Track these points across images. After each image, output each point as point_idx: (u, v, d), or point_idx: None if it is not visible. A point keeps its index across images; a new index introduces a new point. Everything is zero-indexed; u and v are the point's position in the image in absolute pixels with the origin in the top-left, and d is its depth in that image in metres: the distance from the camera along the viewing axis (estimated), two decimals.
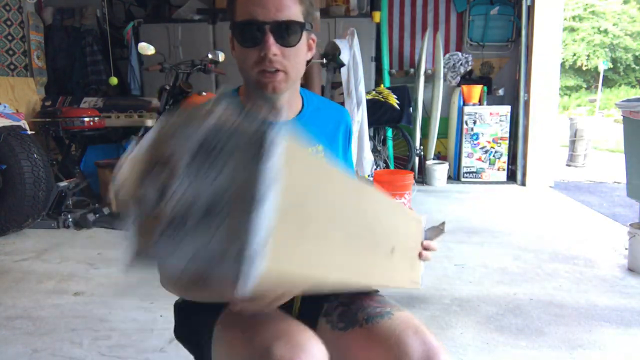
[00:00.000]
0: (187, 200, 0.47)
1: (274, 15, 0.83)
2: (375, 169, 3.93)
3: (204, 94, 3.58)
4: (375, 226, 0.74)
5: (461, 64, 5.08)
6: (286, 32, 0.85)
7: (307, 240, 0.54)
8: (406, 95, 4.56)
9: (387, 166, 4.73)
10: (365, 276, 0.73)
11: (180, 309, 0.99)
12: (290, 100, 0.95)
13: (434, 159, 5.19)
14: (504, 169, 5.10)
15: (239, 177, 0.46)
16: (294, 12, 0.85)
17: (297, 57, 0.88)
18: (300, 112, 0.98)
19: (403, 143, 4.86)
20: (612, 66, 16.76)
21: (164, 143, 0.50)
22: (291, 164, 0.48)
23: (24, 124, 3.49)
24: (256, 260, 0.43)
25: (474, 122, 5.02)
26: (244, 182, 0.45)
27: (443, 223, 1.01)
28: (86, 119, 3.89)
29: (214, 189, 0.46)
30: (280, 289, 0.70)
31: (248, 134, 0.47)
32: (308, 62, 0.98)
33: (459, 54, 5.14)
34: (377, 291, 0.99)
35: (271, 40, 0.84)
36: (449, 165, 5.15)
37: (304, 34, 0.88)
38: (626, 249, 2.64)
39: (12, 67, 4.72)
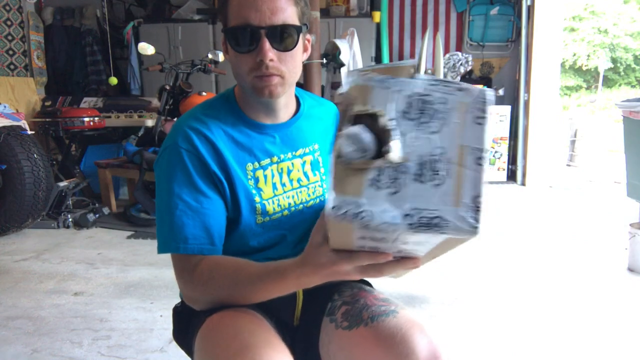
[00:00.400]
0: (405, 151, 0.47)
1: (269, 20, 0.81)
2: None
3: (203, 94, 3.58)
4: None
5: (461, 64, 5.07)
6: (282, 37, 0.82)
7: None
8: None
9: None
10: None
11: (178, 313, 0.99)
12: (286, 103, 0.94)
13: None
14: (504, 169, 5.10)
15: (464, 132, 0.48)
16: (290, 15, 0.83)
17: (294, 60, 0.86)
18: (296, 112, 0.97)
19: None
20: (612, 66, 16.76)
21: (371, 91, 0.49)
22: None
23: (24, 124, 3.50)
24: (478, 214, 0.46)
25: None
26: (471, 137, 0.47)
27: None
28: (86, 119, 3.90)
29: (434, 143, 0.48)
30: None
31: (473, 95, 0.48)
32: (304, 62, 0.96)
33: (459, 54, 5.12)
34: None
35: (267, 45, 0.81)
36: None
37: (300, 35, 0.86)
38: (626, 249, 2.64)
39: (12, 67, 4.72)
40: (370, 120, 0.49)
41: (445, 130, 0.48)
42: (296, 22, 0.84)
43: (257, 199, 0.89)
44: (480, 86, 0.50)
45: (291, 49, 0.84)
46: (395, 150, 0.47)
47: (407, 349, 0.77)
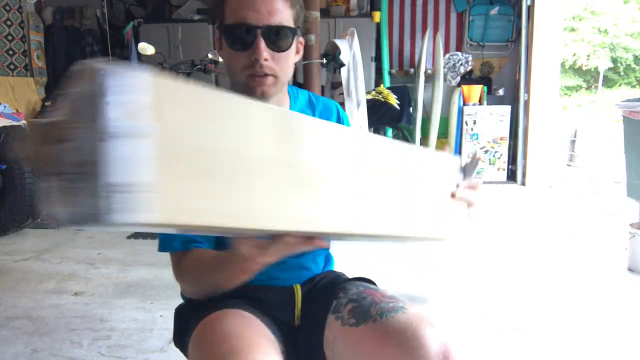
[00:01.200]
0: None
1: (266, 20, 0.83)
2: None
3: None
4: (314, 162, 0.62)
5: (461, 64, 5.08)
6: (278, 37, 0.85)
7: (209, 185, 0.50)
8: (406, 95, 4.56)
9: None
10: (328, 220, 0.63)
11: (179, 315, 0.98)
12: (280, 100, 0.95)
13: None
14: (504, 169, 5.10)
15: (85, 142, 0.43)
16: (286, 17, 0.85)
17: (287, 61, 0.89)
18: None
19: None
20: (612, 66, 16.75)
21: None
22: (162, 102, 0.45)
23: (24, 124, 3.49)
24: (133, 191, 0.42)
25: (474, 122, 5.02)
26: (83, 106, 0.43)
27: (475, 154, 0.91)
28: None
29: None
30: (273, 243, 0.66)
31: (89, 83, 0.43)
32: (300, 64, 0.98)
33: (459, 54, 5.14)
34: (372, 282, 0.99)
35: (262, 44, 0.83)
36: None
37: (295, 38, 0.88)
38: (626, 249, 2.64)
39: (12, 67, 4.72)
40: None
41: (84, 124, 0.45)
42: (291, 25, 0.87)
43: None
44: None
45: (285, 50, 0.87)
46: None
47: (418, 344, 0.76)
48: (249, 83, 0.87)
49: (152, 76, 0.45)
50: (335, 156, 0.64)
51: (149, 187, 0.43)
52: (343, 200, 0.65)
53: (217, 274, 0.83)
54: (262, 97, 0.87)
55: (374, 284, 1.01)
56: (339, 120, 1.06)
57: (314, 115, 1.02)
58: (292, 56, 0.90)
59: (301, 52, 0.95)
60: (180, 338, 0.96)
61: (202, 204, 0.49)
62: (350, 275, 1.04)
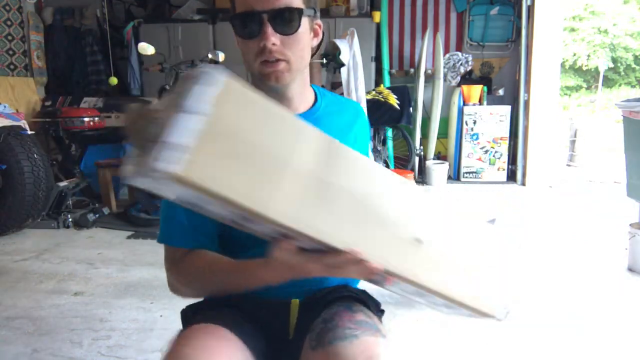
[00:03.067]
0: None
1: (271, 4, 0.81)
2: None
3: None
4: (364, 195, 0.70)
5: (461, 64, 5.08)
6: (284, 20, 0.82)
7: (240, 167, 0.59)
8: (406, 95, 4.56)
9: (387, 166, 4.73)
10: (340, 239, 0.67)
11: (185, 316, 0.97)
12: (301, 92, 0.93)
13: (434, 159, 5.19)
14: (504, 169, 5.10)
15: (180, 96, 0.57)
16: None
17: (299, 44, 0.85)
18: (313, 106, 0.96)
19: (403, 143, 4.85)
20: (612, 66, 16.75)
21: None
22: (224, 95, 0.58)
23: (24, 124, 3.50)
24: (172, 151, 0.53)
25: (474, 122, 5.02)
26: (177, 94, 0.57)
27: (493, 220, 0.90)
28: (86, 119, 3.90)
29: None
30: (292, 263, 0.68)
31: (192, 78, 0.59)
32: (317, 48, 0.95)
33: (459, 54, 5.14)
34: (366, 306, 0.93)
35: (270, 29, 0.82)
36: (449, 165, 5.15)
37: (305, 20, 0.85)
38: (626, 249, 2.64)
39: (12, 67, 4.72)
40: None
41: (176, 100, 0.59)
42: (301, 5, 0.84)
43: None
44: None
45: (294, 32, 0.84)
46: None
47: None
48: (262, 70, 0.85)
49: (227, 77, 0.59)
50: (366, 187, 0.71)
51: (185, 149, 0.54)
52: (367, 227, 0.69)
53: (225, 281, 0.82)
54: (277, 83, 0.86)
55: (365, 301, 0.95)
56: (362, 127, 1.03)
57: (338, 116, 0.98)
58: (304, 40, 0.87)
59: (320, 36, 0.91)
60: None
61: (224, 178, 0.58)
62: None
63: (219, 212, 0.64)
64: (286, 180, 0.62)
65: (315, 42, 0.91)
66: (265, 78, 0.86)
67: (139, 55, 4.90)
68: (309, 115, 0.93)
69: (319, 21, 0.91)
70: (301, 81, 0.92)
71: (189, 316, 0.94)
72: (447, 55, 5.13)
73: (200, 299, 0.96)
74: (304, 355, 0.85)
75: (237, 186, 0.59)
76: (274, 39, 0.82)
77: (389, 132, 4.91)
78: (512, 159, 5.17)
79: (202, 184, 0.56)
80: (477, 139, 5.04)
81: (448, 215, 0.81)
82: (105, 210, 3.71)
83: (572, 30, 16.75)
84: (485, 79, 5.29)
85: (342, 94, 3.54)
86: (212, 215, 0.67)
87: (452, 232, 0.80)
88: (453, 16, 5.37)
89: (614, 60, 16.82)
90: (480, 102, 5.08)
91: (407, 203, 0.76)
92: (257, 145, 0.61)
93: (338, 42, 3.52)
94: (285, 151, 0.63)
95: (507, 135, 5.03)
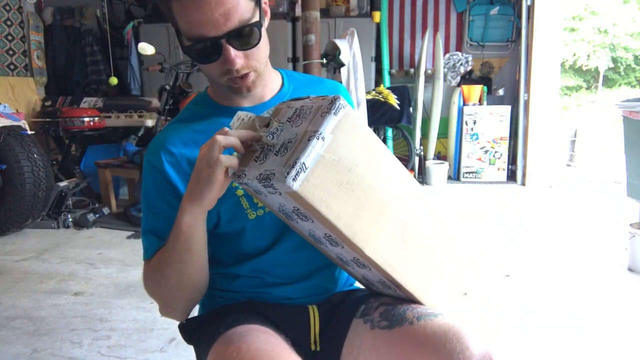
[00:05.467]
0: (277, 138, 0.69)
1: (224, 27, 0.74)
2: None
3: None
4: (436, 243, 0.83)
5: (461, 64, 5.08)
6: (244, 36, 0.77)
7: (344, 193, 0.67)
8: (406, 95, 4.56)
9: None
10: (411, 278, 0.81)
11: (185, 331, 0.96)
12: (266, 83, 0.89)
13: (434, 159, 5.19)
14: (504, 169, 5.10)
15: (312, 123, 0.67)
16: (244, 9, 0.75)
17: (261, 50, 0.82)
18: (280, 91, 0.93)
19: (403, 143, 4.85)
20: (612, 66, 16.75)
21: (281, 110, 0.75)
22: (342, 130, 0.66)
23: (24, 124, 3.50)
24: (299, 173, 0.62)
25: (474, 122, 5.02)
26: (314, 124, 0.66)
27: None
28: (86, 119, 3.90)
29: (294, 131, 0.68)
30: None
31: (327, 100, 0.68)
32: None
33: (459, 54, 5.14)
34: None
35: (231, 51, 0.76)
36: (449, 165, 5.15)
37: (260, 25, 0.79)
38: (626, 249, 2.64)
39: (12, 67, 4.72)
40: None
41: (303, 123, 0.68)
42: (253, 15, 0.77)
43: (240, 191, 0.86)
44: (337, 97, 0.68)
45: (257, 44, 0.79)
46: (268, 138, 0.70)
47: (462, 346, 0.72)
48: (230, 85, 0.83)
49: (346, 108, 0.67)
50: (431, 234, 0.83)
51: (306, 170, 0.63)
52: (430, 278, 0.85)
53: (170, 248, 0.78)
54: (249, 92, 0.84)
55: None
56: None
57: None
58: (264, 41, 0.82)
59: (268, 14, 0.85)
60: (194, 336, 0.93)
61: (334, 204, 0.66)
62: None
63: (309, 228, 0.73)
64: (385, 221, 0.72)
65: (267, 22, 0.84)
66: (235, 91, 0.84)
67: (139, 55, 4.90)
68: (275, 101, 0.89)
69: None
70: (267, 74, 0.88)
71: (207, 326, 0.90)
72: (447, 55, 5.13)
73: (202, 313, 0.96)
74: (361, 338, 0.84)
75: (344, 215, 0.67)
76: (239, 60, 0.78)
77: (389, 132, 4.92)
78: (512, 159, 5.17)
79: (316, 206, 0.64)
80: (477, 139, 5.04)
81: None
82: (105, 210, 3.72)
83: (572, 30, 16.74)
84: (485, 79, 5.30)
85: None
86: (293, 226, 0.79)
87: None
88: (453, 16, 5.37)
89: (614, 60, 16.81)
90: (480, 102, 5.08)
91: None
92: (364, 180, 0.69)
93: (338, 42, 3.52)
94: (385, 192, 0.72)
95: (507, 135, 5.03)
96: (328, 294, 0.95)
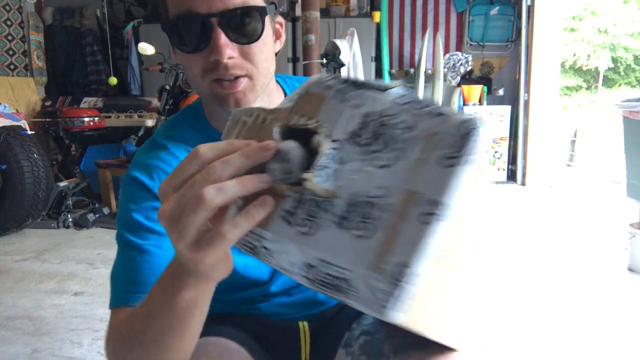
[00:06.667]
0: (336, 184, 0.36)
1: (221, 3, 0.58)
2: None
3: None
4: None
5: (461, 64, 5.08)
6: (242, 24, 0.61)
7: (441, 292, 0.42)
8: None
9: None
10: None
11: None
12: (269, 100, 0.72)
13: None
14: (504, 169, 5.10)
15: (423, 173, 0.34)
16: None
17: (263, 53, 0.64)
18: None
19: None
20: (612, 66, 16.75)
21: (325, 102, 0.38)
22: (471, 186, 0.36)
23: (24, 124, 3.50)
24: (410, 285, 0.33)
25: None
26: (429, 182, 0.34)
27: None
28: (86, 119, 3.90)
29: (377, 180, 0.35)
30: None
31: (451, 124, 0.35)
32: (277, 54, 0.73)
33: (459, 54, 5.14)
34: None
35: (222, 38, 0.60)
36: None
37: (268, 19, 0.64)
38: (626, 249, 2.64)
39: (12, 67, 4.72)
40: (308, 137, 0.38)
41: (398, 167, 0.35)
42: (259, 3, 0.62)
43: None
44: (472, 113, 0.37)
45: (257, 39, 0.62)
46: (320, 179, 0.36)
47: None
48: (216, 91, 0.64)
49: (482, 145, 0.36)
50: None
51: (416, 280, 0.33)
52: None
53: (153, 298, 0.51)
54: (237, 107, 0.64)
55: None
56: None
57: None
58: (269, 45, 0.66)
59: (283, 38, 0.70)
60: None
61: (431, 316, 0.44)
62: None
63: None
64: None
65: (278, 46, 0.70)
66: (220, 102, 0.65)
67: (139, 55, 4.90)
68: None
69: (280, 18, 0.70)
70: (266, 96, 0.70)
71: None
72: (447, 55, 5.13)
73: None
74: None
75: (431, 320, 0.45)
76: (229, 51, 0.61)
77: None
78: (512, 159, 5.17)
79: (415, 329, 0.42)
80: None
81: None
82: (105, 210, 3.71)
83: (572, 30, 16.74)
84: (485, 79, 5.30)
85: None
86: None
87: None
88: (453, 16, 5.37)
89: (614, 60, 16.82)
90: (480, 102, 5.08)
91: None
92: (463, 271, 0.45)
93: (338, 42, 3.52)
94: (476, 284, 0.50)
95: (507, 135, 5.03)
96: (322, 307, 0.84)
